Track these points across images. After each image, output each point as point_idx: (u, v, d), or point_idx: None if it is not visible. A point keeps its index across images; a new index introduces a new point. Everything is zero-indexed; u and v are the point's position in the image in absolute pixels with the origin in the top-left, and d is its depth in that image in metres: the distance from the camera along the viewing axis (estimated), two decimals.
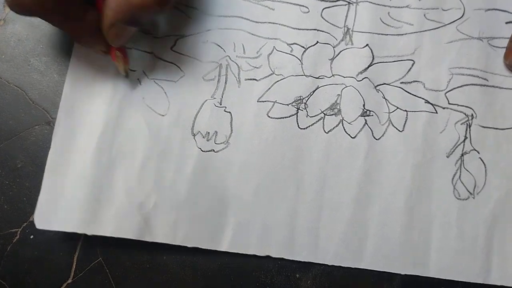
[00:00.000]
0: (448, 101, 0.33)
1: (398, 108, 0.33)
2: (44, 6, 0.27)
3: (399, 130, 0.33)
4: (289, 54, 0.33)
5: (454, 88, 0.34)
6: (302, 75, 0.33)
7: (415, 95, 0.33)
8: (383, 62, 0.34)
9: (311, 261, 0.32)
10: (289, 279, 0.33)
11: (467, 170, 0.33)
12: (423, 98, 0.33)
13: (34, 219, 0.31)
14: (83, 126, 0.32)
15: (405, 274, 0.32)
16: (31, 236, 0.32)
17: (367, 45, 0.34)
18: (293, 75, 0.33)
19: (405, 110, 0.33)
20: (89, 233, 0.31)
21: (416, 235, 0.32)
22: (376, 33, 0.34)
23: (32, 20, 0.25)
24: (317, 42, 0.34)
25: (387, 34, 0.34)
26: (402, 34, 0.34)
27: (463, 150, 0.33)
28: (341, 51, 0.34)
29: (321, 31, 0.34)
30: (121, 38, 0.29)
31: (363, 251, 0.32)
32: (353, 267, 0.32)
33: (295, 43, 0.33)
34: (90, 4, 0.29)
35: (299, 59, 0.33)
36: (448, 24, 0.34)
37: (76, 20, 0.28)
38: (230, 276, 0.32)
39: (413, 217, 0.33)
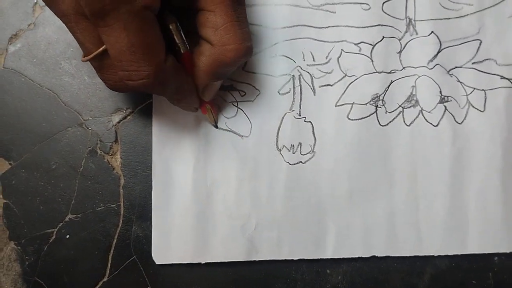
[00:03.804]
0: None
1: (475, 89, 0.33)
2: (166, 91, 0.28)
3: (480, 111, 0.33)
4: (358, 53, 0.33)
5: None
6: (374, 72, 0.33)
7: (489, 73, 0.33)
8: (451, 46, 0.34)
9: (417, 254, 0.32)
10: (319, 274, 0.33)
11: None
12: (498, 75, 0.33)
13: (152, 256, 0.32)
14: (177, 162, 0.33)
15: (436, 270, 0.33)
16: (67, 236, 0.33)
17: (432, 32, 0.34)
18: (365, 74, 0.33)
19: (483, 90, 0.33)
20: (203, 261, 0.32)
21: None
22: (438, 19, 0.34)
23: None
24: (383, 37, 0.33)
25: (449, 18, 0.34)
26: (464, 16, 0.34)
27: None
28: (407, 43, 0.34)
29: (385, 25, 0.34)
30: (213, 93, 0.30)
31: (467, 236, 0.32)
32: (459, 254, 0.32)
33: (362, 42, 0.33)
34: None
35: (368, 57, 0.33)
36: None
37: (180, 89, 0.29)
38: (261, 272, 0.33)
39: (511, 194, 0.32)
